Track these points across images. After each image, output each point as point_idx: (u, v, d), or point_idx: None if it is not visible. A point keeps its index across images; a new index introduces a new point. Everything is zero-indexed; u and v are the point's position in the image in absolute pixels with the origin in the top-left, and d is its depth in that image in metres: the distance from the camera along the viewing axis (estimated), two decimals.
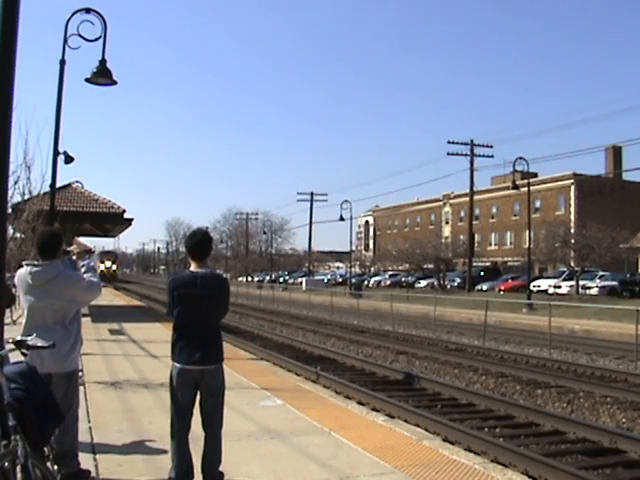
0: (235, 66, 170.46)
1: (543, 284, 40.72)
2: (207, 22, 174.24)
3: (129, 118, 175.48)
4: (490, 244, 68.29)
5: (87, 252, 5.51)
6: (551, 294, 37.43)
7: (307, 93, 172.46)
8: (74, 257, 5.27)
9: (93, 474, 5.03)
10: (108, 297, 34.12)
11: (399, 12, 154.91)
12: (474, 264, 50.64)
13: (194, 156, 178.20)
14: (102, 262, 79.37)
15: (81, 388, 6.50)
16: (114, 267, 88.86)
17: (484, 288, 44.77)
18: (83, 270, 5.14)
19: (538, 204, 59.29)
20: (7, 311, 10.66)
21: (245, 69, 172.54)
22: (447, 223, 75.83)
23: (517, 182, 33.60)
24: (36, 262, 4.88)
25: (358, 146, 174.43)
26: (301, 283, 62.52)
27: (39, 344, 3.84)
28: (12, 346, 3.81)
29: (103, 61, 10.77)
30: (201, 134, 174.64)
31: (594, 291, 36.81)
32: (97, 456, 5.53)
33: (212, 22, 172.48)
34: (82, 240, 37.36)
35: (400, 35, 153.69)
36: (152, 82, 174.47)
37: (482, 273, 50.62)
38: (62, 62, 11.50)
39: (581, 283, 37.28)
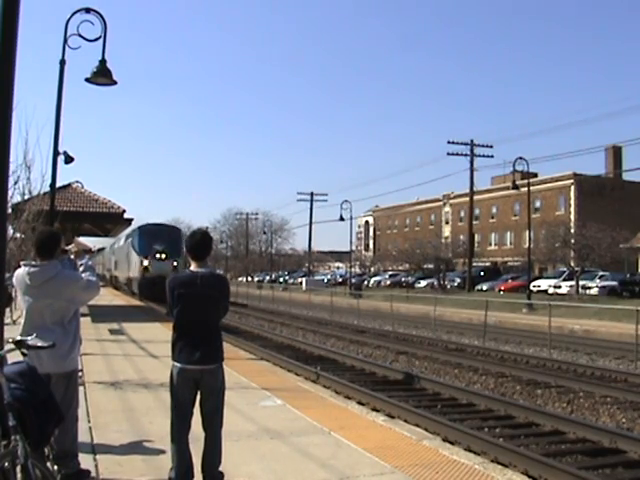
0: (235, 66, 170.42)
1: (543, 284, 40.72)
2: (207, 22, 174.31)
3: (129, 118, 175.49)
4: (490, 244, 68.29)
5: (86, 252, 5.53)
6: (551, 294, 37.43)
7: (307, 93, 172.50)
8: (72, 256, 5.28)
9: (93, 474, 5.03)
10: (108, 297, 34.12)
11: (399, 12, 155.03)
12: (474, 264, 50.65)
13: (194, 156, 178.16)
14: (145, 257, 35.37)
15: (81, 388, 6.50)
16: (175, 263, 35.08)
17: (484, 288, 44.77)
18: (81, 269, 5.14)
19: (538, 204, 59.30)
20: (7, 311, 10.65)
21: (245, 69, 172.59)
22: (447, 223, 75.84)
23: (517, 182, 33.61)
24: (34, 262, 4.88)
25: (358, 146, 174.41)
26: (301, 283, 62.52)
27: (39, 344, 3.84)
28: (12, 346, 3.82)
29: (103, 61, 10.78)
30: (201, 134, 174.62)
31: (594, 291, 36.82)
32: (97, 456, 5.53)
33: (212, 22, 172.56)
34: (82, 240, 37.45)
35: (400, 35, 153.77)
36: (152, 82, 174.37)
37: (482, 273, 50.62)
38: (62, 62, 11.50)
39: (581, 283, 37.29)
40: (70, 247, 5.44)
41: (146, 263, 35.08)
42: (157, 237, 36.03)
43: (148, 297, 33.22)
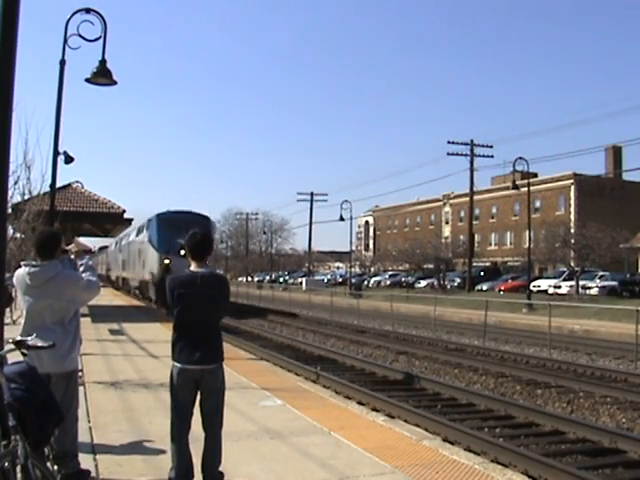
0: (235, 67, 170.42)
1: (543, 284, 40.72)
2: (207, 22, 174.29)
3: (129, 118, 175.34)
4: (490, 244, 68.31)
5: (86, 252, 5.53)
6: (551, 294, 37.44)
7: (307, 93, 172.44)
8: (72, 256, 5.28)
9: (93, 474, 5.03)
10: (108, 297, 34.11)
11: (399, 12, 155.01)
12: (474, 264, 50.65)
13: (194, 156, 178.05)
14: (165, 254, 26.97)
15: (81, 388, 6.50)
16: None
17: (484, 288, 44.77)
18: (82, 269, 5.14)
19: (538, 204, 59.32)
20: (7, 311, 10.65)
21: (245, 70, 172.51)
22: (447, 223, 75.87)
23: (517, 182, 33.59)
24: (34, 262, 4.88)
25: (358, 146, 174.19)
26: (301, 283, 62.51)
27: (39, 344, 3.84)
28: (12, 346, 3.81)
29: (103, 61, 10.78)
30: (201, 134, 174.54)
31: (594, 291, 36.82)
32: (97, 456, 5.53)
33: (211, 22, 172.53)
34: (82, 240, 37.46)
35: (400, 35, 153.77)
36: (152, 82, 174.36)
37: (482, 273, 50.61)
38: (62, 62, 11.50)
39: (581, 283, 37.29)
40: (70, 247, 5.44)
41: (167, 262, 26.47)
42: (181, 228, 22.38)
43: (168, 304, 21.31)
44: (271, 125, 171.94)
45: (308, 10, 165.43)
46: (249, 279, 79.35)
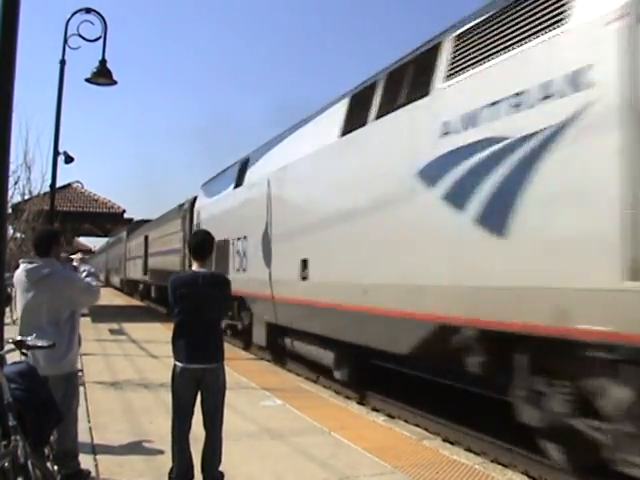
0: (236, 68, 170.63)
1: None
2: (208, 22, 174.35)
3: (129, 117, 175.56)
4: None
5: (86, 252, 5.53)
6: None
7: (307, 94, 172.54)
8: (75, 263, 5.29)
9: (93, 474, 5.03)
10: (108, 297, 34.11)
11: (399, 12, 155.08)
12: None
13: (195, 155, 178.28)
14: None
15: (81, 388, 6.50)
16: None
17: None
18: (84, 275, 5.13)
19: None
20: (7, 311, 10.66)
21: (246, 70, 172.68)
22: None
23: None
24: (31, 259, 4.89)
25: None
26: None
27: (39, 344, 3.84)
28: (12, 346, 3.81)
29: (103, 61, 10.79)
30: (201, 134, 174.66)
31: None
32: (97, 456, 5.52)
33: (210, 22, 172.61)
34: (82, 240, 37.53)
35: (400, 35, 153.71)
36: (152, 82, 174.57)
37: None
38: (62, 62, 11.52)
39: None
40: (75, 256, 5.48)
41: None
42: None
43: None
44: (272, 126, 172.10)
45: (308, 10, 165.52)
46: None
